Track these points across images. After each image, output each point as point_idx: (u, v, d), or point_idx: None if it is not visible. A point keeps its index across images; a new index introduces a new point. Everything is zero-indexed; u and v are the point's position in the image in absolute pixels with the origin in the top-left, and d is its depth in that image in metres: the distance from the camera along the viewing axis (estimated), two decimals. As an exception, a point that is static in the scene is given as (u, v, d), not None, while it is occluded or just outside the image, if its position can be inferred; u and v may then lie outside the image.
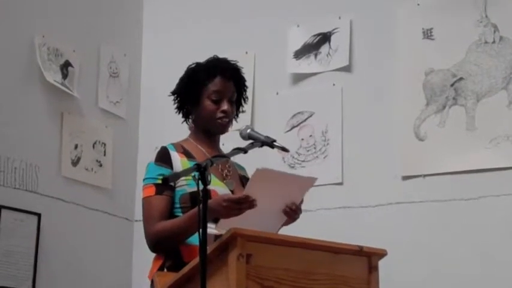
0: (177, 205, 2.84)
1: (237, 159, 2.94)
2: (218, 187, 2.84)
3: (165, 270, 2.80)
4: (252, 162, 3.07)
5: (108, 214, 4.75)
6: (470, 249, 4.00)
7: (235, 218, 2.58)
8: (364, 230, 4.14)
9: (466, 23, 4.22)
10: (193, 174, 2.40)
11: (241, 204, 2.59)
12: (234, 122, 3.04)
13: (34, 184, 4.29)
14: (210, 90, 2.94)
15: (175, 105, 3.04)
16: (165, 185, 2.81)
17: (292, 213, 2.74)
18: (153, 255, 2.86)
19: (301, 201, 2.78)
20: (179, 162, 2.87)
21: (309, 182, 2.74)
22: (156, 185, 2.84)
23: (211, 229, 2.53)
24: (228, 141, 3.04)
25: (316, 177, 2.74)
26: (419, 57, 4.32)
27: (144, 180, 2.89)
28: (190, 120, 3.03)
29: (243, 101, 3.08)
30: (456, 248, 4.03)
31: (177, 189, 2.85)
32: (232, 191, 2.86)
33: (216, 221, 2.64)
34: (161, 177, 2.77)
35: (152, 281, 2.77)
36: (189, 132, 3.06)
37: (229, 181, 2.93)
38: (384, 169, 4.28)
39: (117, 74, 5.00)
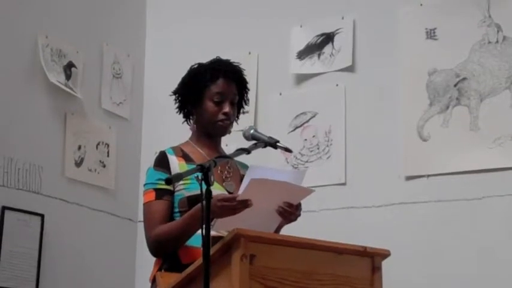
0: (176, 209, 2.84)
1: (240, 159, 2.94)
2: (215, 189, 2.81)
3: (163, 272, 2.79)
4: (255, 162, 3.08)
5: (112, 215, 4.75)
6: (474, 249, 3.99)
7: (231, 218, 2.57)
8: (368, 230, 4.13)
9: (469, 23, 4.22)
10: (196, 175, 2.40)
11: (235, 205, 2.57)
12: (234, 124, 3.02)
13: (37, 185, 4.29)
14: (213, 92, 2.93)
15: (177, 105, 3.03)
16: (165, 190, 2.82)
17: (286, 213, 2.70)
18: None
19: (300, 205, 2.73)
20: (177, 166, 2.86)
21: (305, 192, 2.71)
22: (156, 190, 2.84)
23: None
24: (231, 141, 3.04)
25: (313, 189, 2.71)
26: (422, 57, 4.31)
27: (144, 185, 2.90)
28: (191, 121, 3.02)
29: (244, 103, 3.06)
30: (460, 248, 4.03)
31: (176, 193, 2.84)
32: (231, 193, 2.81)
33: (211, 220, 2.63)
34: (160, 181, 2.78)
35: (153, 282, 2.77)
36: (190, 134, 3.05)
37: (229, 183, 2.92)
38: (387, 169, 4.28)
39: (121, 74, 5.00)
